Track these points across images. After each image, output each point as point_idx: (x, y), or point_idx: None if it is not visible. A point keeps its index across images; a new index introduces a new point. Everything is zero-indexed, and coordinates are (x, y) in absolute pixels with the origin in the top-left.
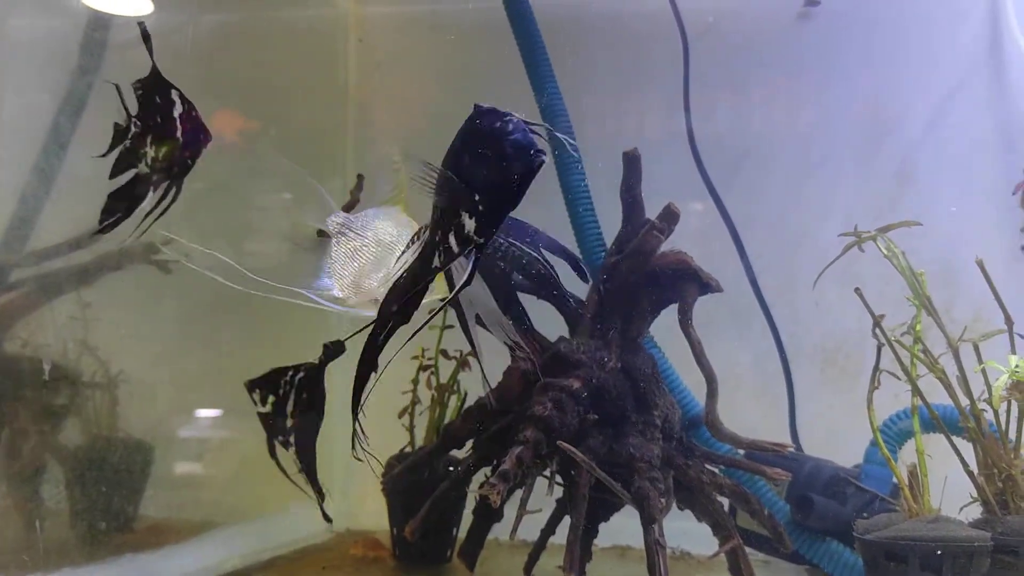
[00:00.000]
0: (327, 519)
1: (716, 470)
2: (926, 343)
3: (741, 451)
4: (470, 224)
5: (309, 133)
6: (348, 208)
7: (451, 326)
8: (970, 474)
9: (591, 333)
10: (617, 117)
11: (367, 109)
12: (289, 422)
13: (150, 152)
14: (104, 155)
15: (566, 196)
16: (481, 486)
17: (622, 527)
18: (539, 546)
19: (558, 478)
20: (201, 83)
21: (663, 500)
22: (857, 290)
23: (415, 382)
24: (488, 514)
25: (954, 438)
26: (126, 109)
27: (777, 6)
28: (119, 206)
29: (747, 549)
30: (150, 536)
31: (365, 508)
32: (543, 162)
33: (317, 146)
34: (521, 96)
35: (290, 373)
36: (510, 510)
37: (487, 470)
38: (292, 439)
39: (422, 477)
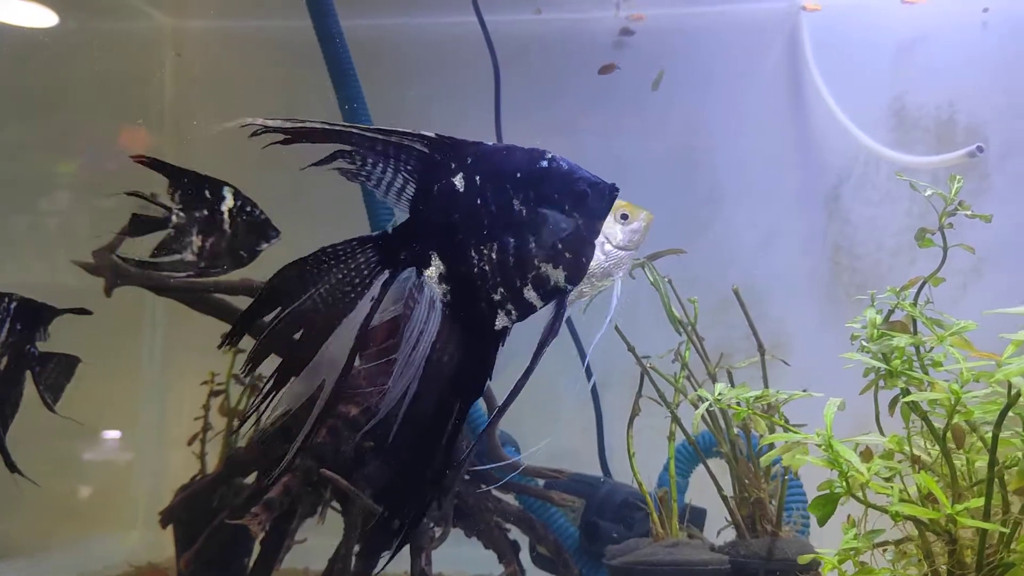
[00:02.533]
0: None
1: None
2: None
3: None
4: (556, 274)
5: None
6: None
7: (242, 350)
8: (724, 498)
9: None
10: None
11: (185, 123)
12: None
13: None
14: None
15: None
16: (243, 516)
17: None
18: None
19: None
20: (9, 93)
21: (437, 528)
22: (613, 321)
23: (206, 408)
24: (276, 543)
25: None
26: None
27: (593, 33)
28: None
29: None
30: None
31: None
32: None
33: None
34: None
35: None
36: (316, 538)
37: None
38: None
39: (209, 506)
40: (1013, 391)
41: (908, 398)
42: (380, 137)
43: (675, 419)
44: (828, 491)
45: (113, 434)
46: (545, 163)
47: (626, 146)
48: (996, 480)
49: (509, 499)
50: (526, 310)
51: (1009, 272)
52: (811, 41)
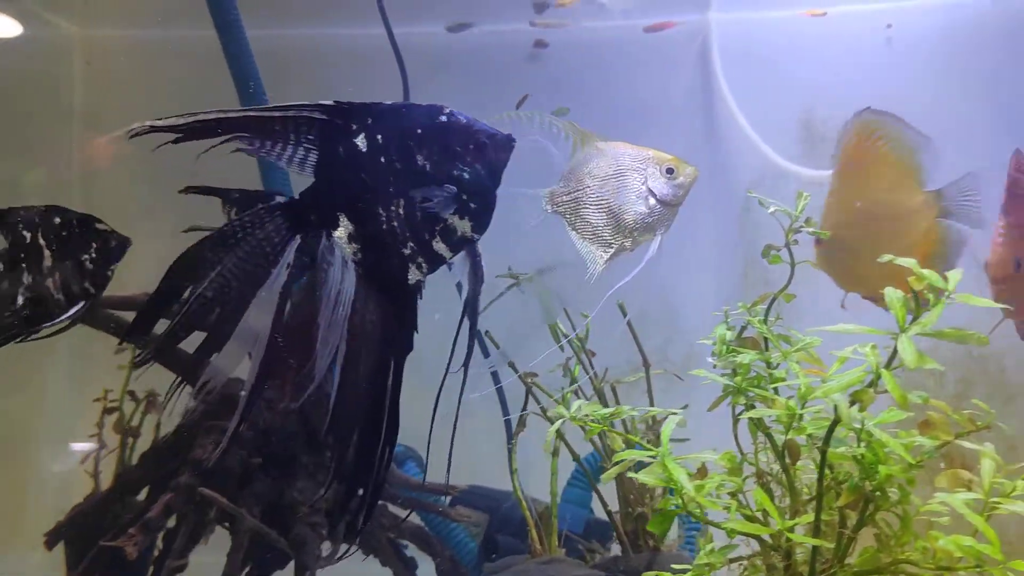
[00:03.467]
0: None
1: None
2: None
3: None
4: (463, 224)
5: (33, 154)
6: None
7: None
8: (609, 513)
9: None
10: None
11: (94, 131)
12: None
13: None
14: None
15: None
16: (120, 537)
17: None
18: None
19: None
20: None
21: (325, 546)
22: (487, 333)
23: (99, 425)
24: (175, 567)
25: None
26: None
27: (509, 45)
28: None
29: None
30: None
31: None
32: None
33: (41, 167)
34: None
35: None
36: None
37: None
38: None
39: (101, 526)
40: (838, 408)
41: (745, 414)
42: (277, 115)
43: (559, 435)
44: (664, 509)
45: (14, 450)
46: (444, 118)
47: (538, 160)
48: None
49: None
50: (437, 262)
51: None
52: (721, 55)
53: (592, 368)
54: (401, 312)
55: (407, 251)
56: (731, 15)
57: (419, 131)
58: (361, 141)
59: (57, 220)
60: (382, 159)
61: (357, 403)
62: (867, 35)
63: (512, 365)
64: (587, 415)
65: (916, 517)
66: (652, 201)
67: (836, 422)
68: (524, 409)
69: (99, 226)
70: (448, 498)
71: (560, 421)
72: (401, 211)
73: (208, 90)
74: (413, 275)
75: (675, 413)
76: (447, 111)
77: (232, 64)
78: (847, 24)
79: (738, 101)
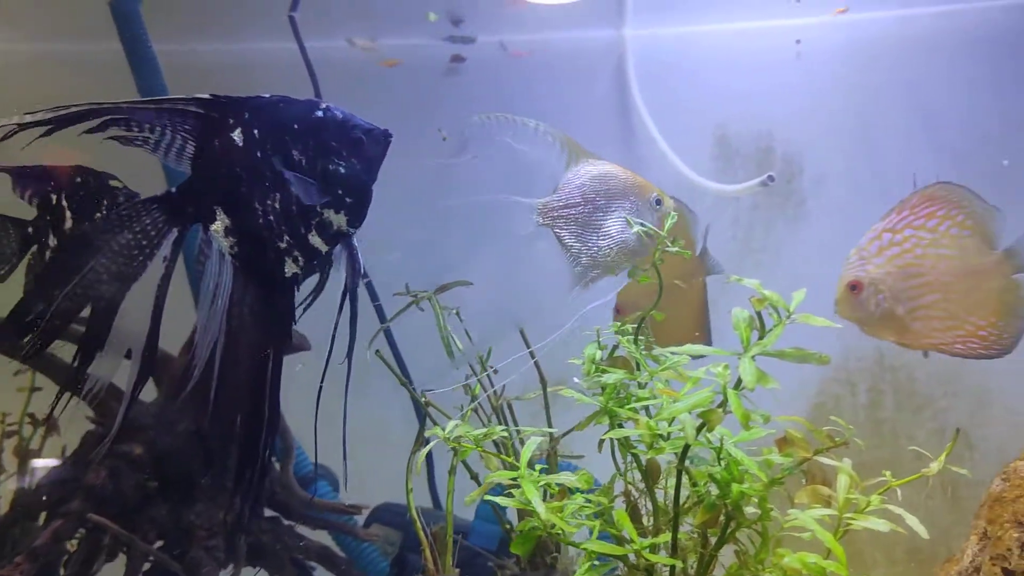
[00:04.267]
0: None
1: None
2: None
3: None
4: (338, 219)
5: None
6: None
7: (40, 388)
8: (507, 531)
9: (176, 392)
10: None
11: None
12: None
13: None
14: None
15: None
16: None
17: None
18: None
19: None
20: None
21: (224, 568)
22: (378, 352)
23: None
24: None
25: None
26: None
27: (426, 59)
28: None
29: None
30: None
31: None
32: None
33: None
34: None
35: None
36: None
37: None
38: None
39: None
40: (685, 428)
41: (607, 435)
42: (151, 107)
43: (456, 454)
44: (524, 530)
45: None
46: (320, 113)
47: (455, 177)
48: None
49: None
50: (312, 255)
51: (821, 295)
52: (636, 70)
53: (492, 386)
54: (278, 304)
55: (283, 244)
56: (646, 31)
57: (295, 125)
58: (238, 135)
59: (79, 179)
60: (258, 153)
61: (238, 393)
62: (778, 51)
63: (406, 384)
64: (460, 436)
65: (782, 533)
66: (637, 231)
67: (689, 444)
68: (422, 429)
69: (112, 183)
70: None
71: (432, 443)
72: (277, 205)
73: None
74: (289, 268)
75: (550, 433)
76: (324, 106)
77: (139, 78)
78: (758, 40)
79: (654, 117)
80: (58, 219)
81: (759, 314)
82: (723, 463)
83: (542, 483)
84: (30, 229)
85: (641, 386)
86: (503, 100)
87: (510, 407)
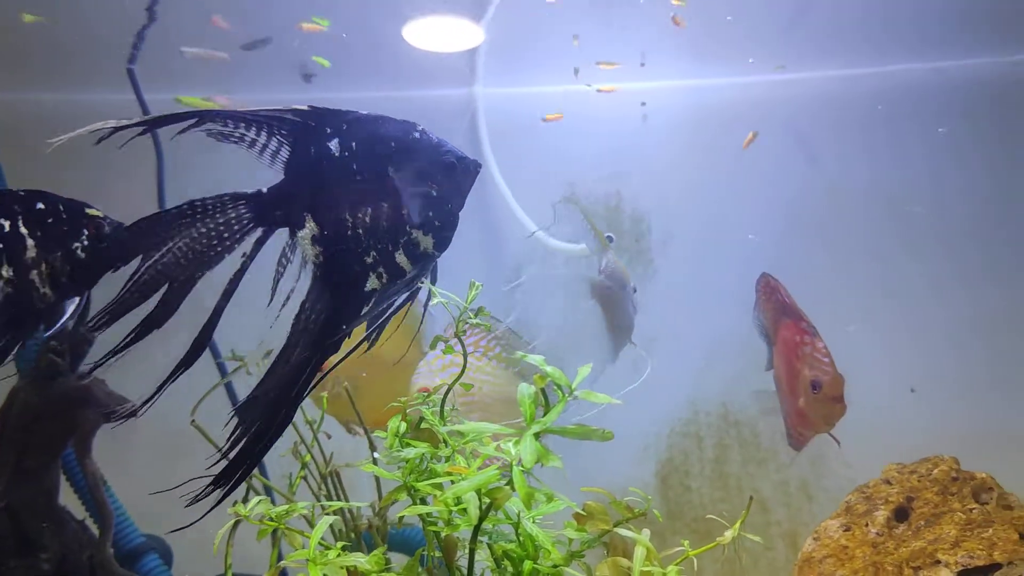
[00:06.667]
0: None
1: None
2: None
3: None
4: (426, 240)
5: None
6: None
7: None
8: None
9: None
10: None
11: None
12: None
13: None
14: None
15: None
16: None
17: None
18: None
19: None
20: None
21: None
22: (194, 422)
23: None
24: None
25: None
26: None
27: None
28: None
29: None
30: None
31: None
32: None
33: None
34: None
35: None
36: None
37: None
38: None
39: None
40: (471, 508)
41: (405, 511)
42: (249, 116)
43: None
44: None
45: None
46: (417, 135)
47: None
48: None
49: None
50: (397, 274)
51: (672, 355)
52: (489, 128)
53: (322, 452)
54: (348, 317)
55: (369, 259)
56: (497, 90)
57: (392, 144)
58: (335, 145)
59: (40, 206)
60: (354, 165)
61: (277, 393)
62: (625, 111)
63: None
64: (261, 514)
65: None
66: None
67: (481, 521)
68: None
69: (90, 211)
70: None
71: (233, 521)
72: (368, 219)
73: None
74: (371, 283)
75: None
76: (420, 128)
77: None
78: (607, 100)
79: (505, 174)
80: (17, 248)
81: (543, 391)
82: (521, 539)
83: (342, 564)
84: None
85: (445, 460)
86: None
87: (337, 475)
